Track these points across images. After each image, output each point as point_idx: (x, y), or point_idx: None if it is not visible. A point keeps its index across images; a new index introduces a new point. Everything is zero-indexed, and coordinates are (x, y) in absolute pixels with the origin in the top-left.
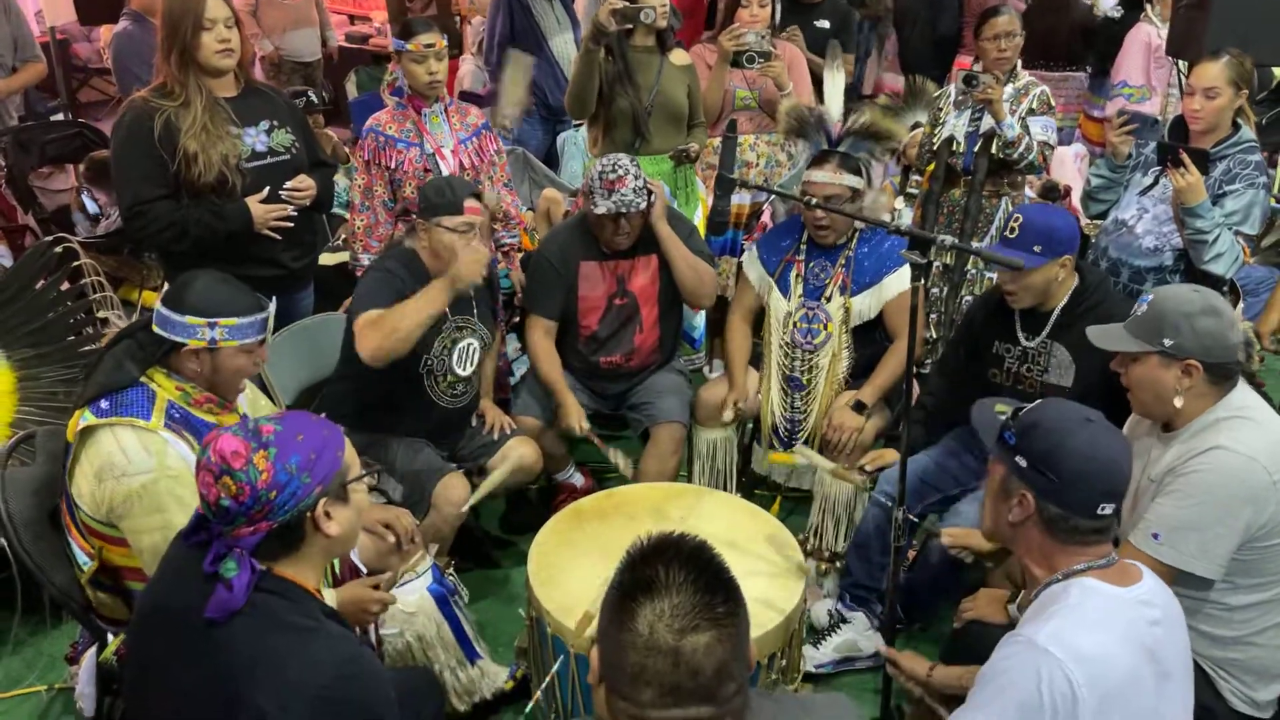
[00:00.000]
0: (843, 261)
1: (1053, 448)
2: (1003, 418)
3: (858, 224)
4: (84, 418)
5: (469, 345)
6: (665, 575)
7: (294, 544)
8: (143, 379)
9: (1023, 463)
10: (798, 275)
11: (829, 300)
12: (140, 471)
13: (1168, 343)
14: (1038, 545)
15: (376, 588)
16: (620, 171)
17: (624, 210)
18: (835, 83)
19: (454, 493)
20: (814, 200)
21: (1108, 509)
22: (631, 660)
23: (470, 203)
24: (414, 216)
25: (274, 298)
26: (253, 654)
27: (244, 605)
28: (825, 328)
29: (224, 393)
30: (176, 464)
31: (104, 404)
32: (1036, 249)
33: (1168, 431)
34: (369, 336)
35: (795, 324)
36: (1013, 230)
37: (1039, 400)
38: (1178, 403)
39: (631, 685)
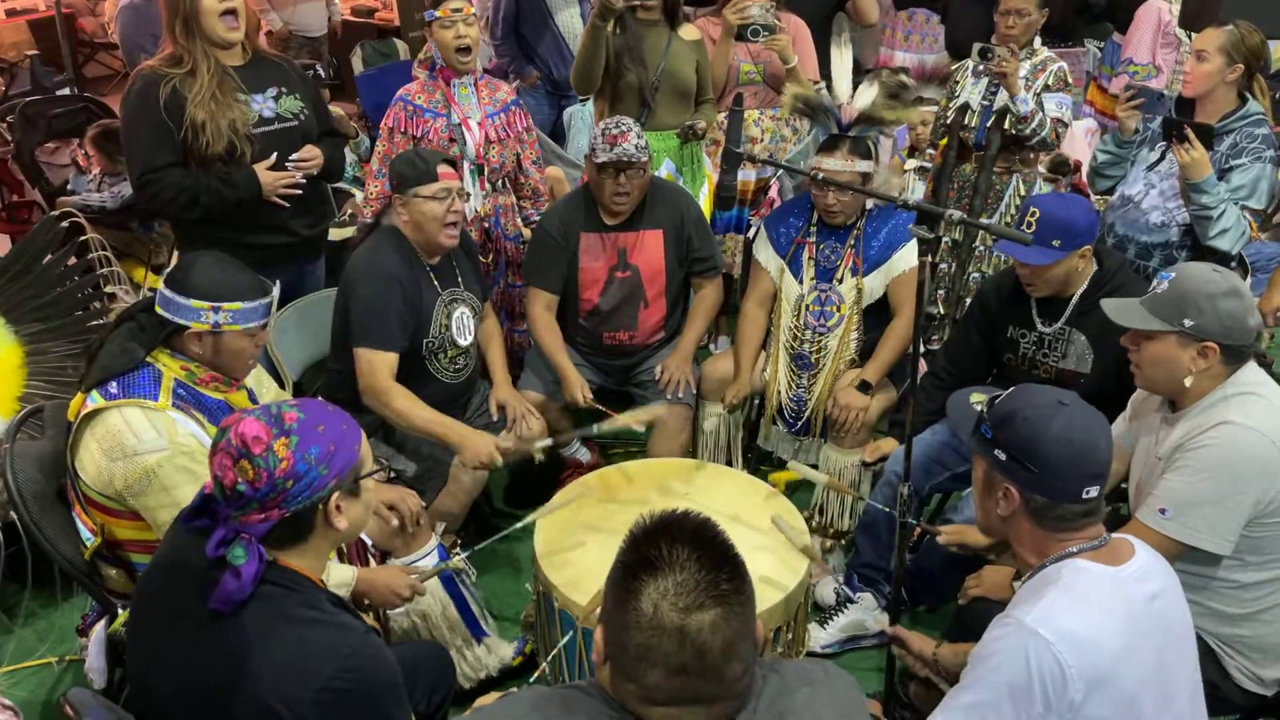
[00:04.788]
0: (852, 242)
1: (1030, 437)
2: (978, 408)
3: (867, 203)
4: (91, 399)
5: (463, 314)
6: (668, 553)
7: (302, 534)
8: (148, 359)
9: (1002, 456)
10: (809, 257)
11: (840, 282)
12: (152, 450)
13: (1189, 323)
14: (1028, 535)
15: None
16: (624, 128)
17: (625, 160)
18: (843, 60)
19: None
20: (821, 176)
21: (1093, 491)
22: (636, 640)
23: (443, 168)
24: (391, 194)
25: (277, 281)
26: (255, 645)
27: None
28: (839, 309)
29: (227, 373)
30: (188, 440)
31: (113, 388)
32: (1055, 243)
33: (1175, 410)
34: (374, 399)
35: (808, 306)
36: (1029, 225)
37: (1011, 389)
38: (1187, 382)
39: (636, 666)
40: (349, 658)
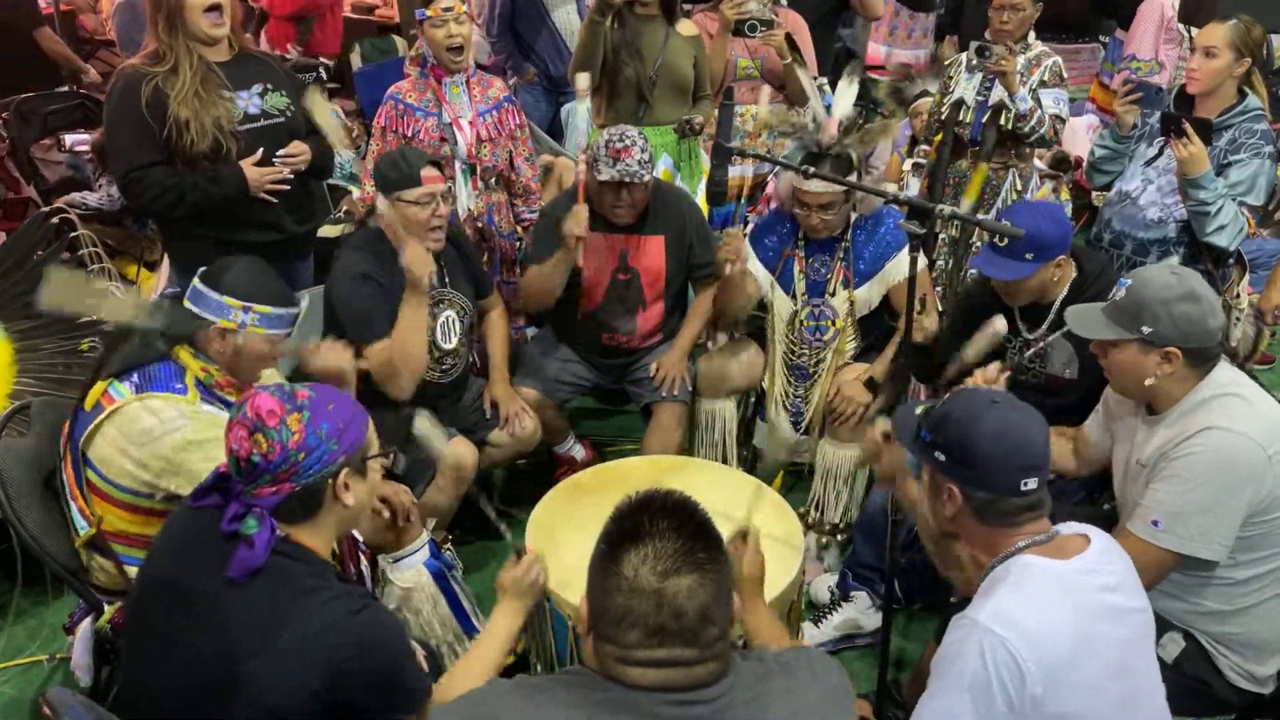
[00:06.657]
0: (840, 254)
1: (964, 435)
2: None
3: (853, 214)
4: (114, 389)
5: (448, 318)
6: (649, 524)
7: (313, 509)
8: (169, 354)
9: (941, 457)
10: (800, 271)
11: (833, 295)
12: (179, 427)
13: (1146, 330)
14: (975, 533)
15: None
16: (627, 142)
17: (627, 179)
18: (846, 96)
19: (463, 457)
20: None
21: (1031, 483)
22: (617, 603)
23: (428, 172)
24: (373, 195)
25: (306, 295)
26: (268, 613)
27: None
28: (834, 323)
29: (241, 377)
30: (209, 418)
31: (135, 378)
32: (1028, 256)
33: (1153, 414)
34: (394, 383)
35: (802, 322)
36: (1002, 239)
37: (949, 395)
38: (1155, 384)
39: (617, 628)
40: (359, 616)
